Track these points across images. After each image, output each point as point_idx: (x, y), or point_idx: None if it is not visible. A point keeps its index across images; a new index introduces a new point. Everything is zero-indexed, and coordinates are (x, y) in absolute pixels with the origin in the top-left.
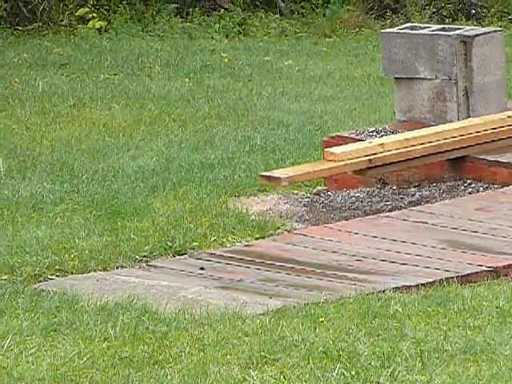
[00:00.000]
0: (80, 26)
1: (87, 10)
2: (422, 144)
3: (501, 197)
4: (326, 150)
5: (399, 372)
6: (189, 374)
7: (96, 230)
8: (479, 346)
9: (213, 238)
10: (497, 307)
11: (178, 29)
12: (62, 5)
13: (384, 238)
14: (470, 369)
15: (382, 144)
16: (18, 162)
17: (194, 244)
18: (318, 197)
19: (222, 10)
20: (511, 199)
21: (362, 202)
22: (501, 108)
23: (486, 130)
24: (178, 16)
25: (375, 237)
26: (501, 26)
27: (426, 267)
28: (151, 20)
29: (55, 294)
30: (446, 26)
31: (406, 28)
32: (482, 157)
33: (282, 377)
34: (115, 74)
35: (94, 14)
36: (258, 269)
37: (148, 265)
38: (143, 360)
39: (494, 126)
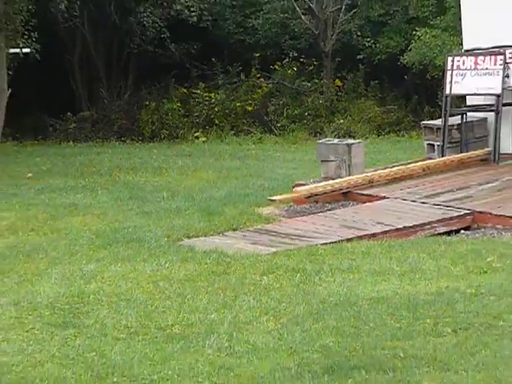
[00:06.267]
0: (196, 139)
1: (198, 133)
2: (332, 186)
3: (363, 208)
4: (293, 188)
5: (323, 278)
6: (239, 278)
7: (202, 220)
8: (347, 265)
9: (248, 224)
10: (363, 249)
11: (235, 140)
12: (186, 129)
13: (314, 223)
14: (354, 275)
15: (316, 186)
16: (170, 194)
17: (240, 226)
18: (290, 207)
19: (251, 133)
20: (366, 209)
21: (308, 209)
22: (362, 172)
23: (355, 181)
24: (235, 135)
25: (312, 223)
26: (350, 139)
27: (336, 235)
28: (224, 137)
29: (186, 246)
30: (341, 139)
31: (326, 140)
32: (356, 191)
33: (275, 278)
34: (209, 158)
35: (201, 134)
36: (268, 236)
37: (223, 235)
38: (219, 273)
39: (359, 180)
